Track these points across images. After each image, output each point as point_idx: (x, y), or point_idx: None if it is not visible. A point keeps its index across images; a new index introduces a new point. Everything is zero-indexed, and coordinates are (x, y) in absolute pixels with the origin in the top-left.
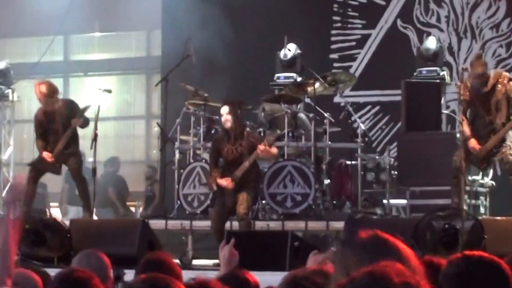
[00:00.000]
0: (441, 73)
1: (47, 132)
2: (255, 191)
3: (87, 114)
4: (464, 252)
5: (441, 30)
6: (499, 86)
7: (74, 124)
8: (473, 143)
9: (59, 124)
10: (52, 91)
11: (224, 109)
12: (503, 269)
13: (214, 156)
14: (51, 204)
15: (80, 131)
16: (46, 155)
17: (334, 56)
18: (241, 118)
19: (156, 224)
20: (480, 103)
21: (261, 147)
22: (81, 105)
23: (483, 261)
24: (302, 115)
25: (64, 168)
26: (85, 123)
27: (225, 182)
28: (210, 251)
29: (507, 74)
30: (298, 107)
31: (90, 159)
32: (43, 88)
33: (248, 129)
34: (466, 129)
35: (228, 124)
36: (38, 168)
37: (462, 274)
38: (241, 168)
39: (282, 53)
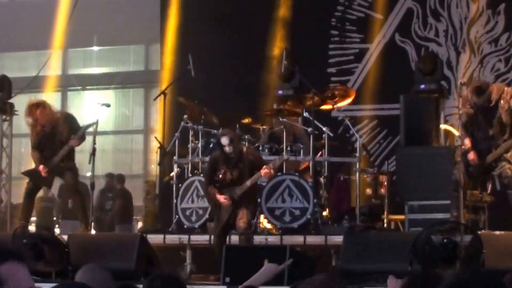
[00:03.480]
0: (440, 87)
1: (43, 144)
2: (255, 206)
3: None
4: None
5: (439, 44)
6: (502, 102)
7: (72, 144)
8: (472, 155)
9: (56, 137)
10: (40, 104)
11: (225, 141)
12: (503, 282)
13: (211, 174)
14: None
15: (80, 144)
16: (42, 168)
17: (332, 70)
18: (239, 139)
19: (154, 238)
20: (483, 117)
21: (265, 169)
22: (79, 119)
23: (483, 272)
24: (299, 128)
25: (56, 183)
26: (81, 140)
27: (223, 199)
28: (209, 265)
29: (510, 89)
30: (298, 121)
31: (88, 173)
32: (35, 107)
33: (245, 148)
34: (467, 142)
35: (232, 155)
36: (34, 182)
37: (461, 284)
38: (242, 187)
39: (280, 67)
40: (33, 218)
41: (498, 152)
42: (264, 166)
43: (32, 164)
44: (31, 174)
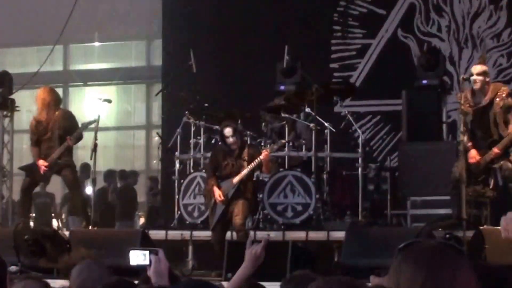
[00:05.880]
0: (442, 83)
1: (41, 140)
2: (253, 201)
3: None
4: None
5: (442, 39)
6: (497, 99)
7: (68, 143)
8: (473, 154)
9: (54, 134)
10: (55, 99)
11: (228, 132)
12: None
13: (214, 166)
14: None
15: (80, 141)
16: (42, 163)
17: (334, 65)
18: (242, 133)
19: (156, 234)
20: (479, 116)
21: (264, 152)
22: (81, 115)
23: (488, 267)
24: (302, 124)
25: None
26: (77, 140)
27: (217, 194)
28: (211, 261)
29: (506, 87)
30: (300, 117)
31: (91, 170)
32: (47, 94)
33: (248, 142)
34: (467, 140)
35: (234, 146)
36: (31, 177)
37: None
38: (239, 175)
39: (282, 63)
40: (32, 214)
41: (492, 154)
42: (263, 150)
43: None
44: (29, 169)
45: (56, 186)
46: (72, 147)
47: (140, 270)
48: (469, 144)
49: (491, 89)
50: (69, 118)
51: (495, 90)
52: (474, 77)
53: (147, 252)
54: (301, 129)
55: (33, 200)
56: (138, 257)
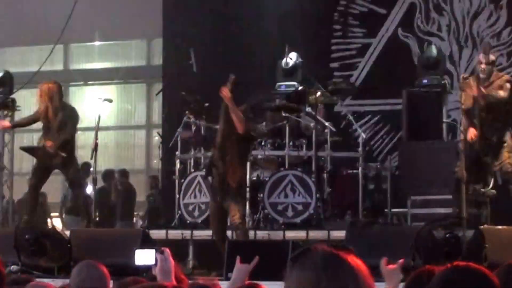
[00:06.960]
0: (442, 82)
1: (43, 128)
2: (244, 197)
3: (85, 124)
4: (452, 262)
5: (442, 39)
6: (498, 81)
7: (47, 147)
8: (471, 131)
9: (54, 125)
10: (58, 92)
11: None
12: (490, 279)
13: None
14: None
15: (80, 141)
16: (51, 145)
17: (334, 65)
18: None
19: (157, 234)
20: (483, 109)
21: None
22: (81, 114)
23: (470, 270)
24: (305, 122)
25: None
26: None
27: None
28: (211, 260)
29: (507, 76)
30: (301, 116)
31: (90, 169)
32: (50, 86)
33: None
34: (468, 128)
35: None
36: (38, 176)
37: (448, 284)
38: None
39: (283, 62)
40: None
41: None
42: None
43: (34, 160)
44: (32, 150)
45: (55, 186)
46: (75, 143)
47: (141, 269)
48: (468, 126)
49: (494, 76)
50: (71, 113)
51: (496, 76)
52: (483, 66)
53: (153, 251)
54: (301, 129)
55: None
56: (143, 257)
